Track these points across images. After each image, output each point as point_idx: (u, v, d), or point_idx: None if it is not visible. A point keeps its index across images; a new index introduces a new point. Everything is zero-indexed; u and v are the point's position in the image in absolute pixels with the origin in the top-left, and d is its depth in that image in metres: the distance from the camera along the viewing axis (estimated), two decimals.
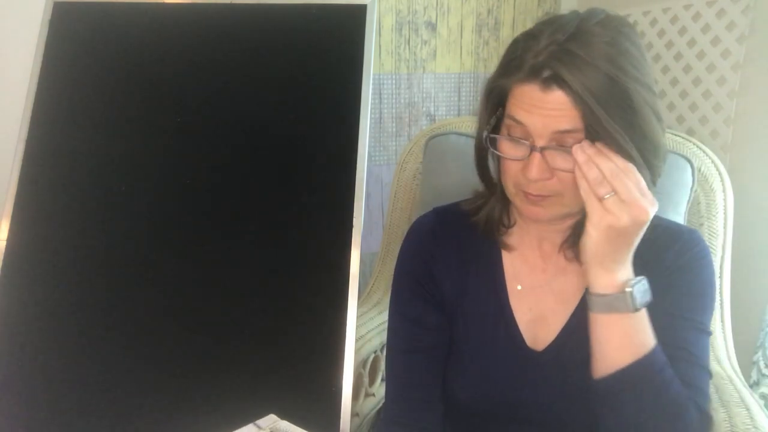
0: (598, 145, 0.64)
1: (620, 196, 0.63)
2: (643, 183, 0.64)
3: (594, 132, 0.63)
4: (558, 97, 0.63)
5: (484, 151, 0.76)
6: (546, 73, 0.63)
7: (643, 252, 0.69)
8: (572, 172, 0.65)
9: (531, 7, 1.86)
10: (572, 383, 0.76)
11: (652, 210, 0.63)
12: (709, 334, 0.75)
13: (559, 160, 0.66)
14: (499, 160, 0.73)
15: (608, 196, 0.63)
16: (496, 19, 1.84)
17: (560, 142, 0.65)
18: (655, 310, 0.69)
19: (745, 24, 1.20)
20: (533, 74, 0.63)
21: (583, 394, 0.73)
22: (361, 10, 1.21)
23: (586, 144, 0.63)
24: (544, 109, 0.63)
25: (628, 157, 0.64)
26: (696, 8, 1.32)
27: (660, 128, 0.67)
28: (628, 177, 0.63)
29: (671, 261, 0.75)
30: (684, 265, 0.74)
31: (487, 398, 0.80)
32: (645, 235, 0.66)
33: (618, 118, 0.62)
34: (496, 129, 0.72)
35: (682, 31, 1.37)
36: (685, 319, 0.73)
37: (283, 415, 1.04)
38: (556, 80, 0.62)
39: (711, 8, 1.28)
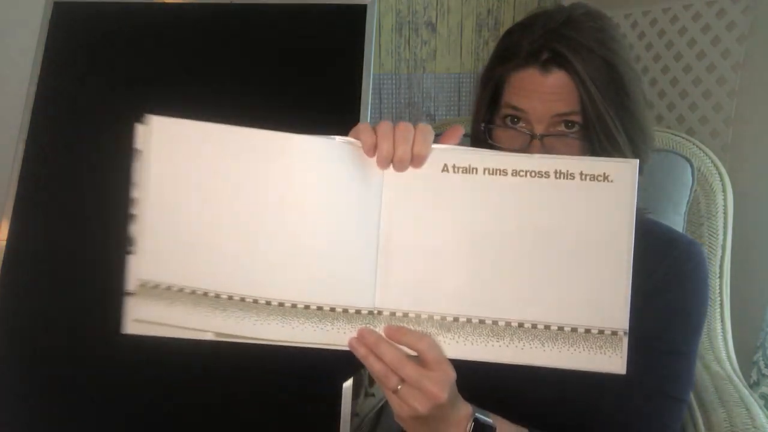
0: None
1: (411, 384, 0.54)
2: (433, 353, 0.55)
3: (588, 114, 0.64)
4: (558, 78, 0.64)
5: (481, 144, 0.75)
6: (545, 56, 0.64)
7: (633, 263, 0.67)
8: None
9: (531, 7, 1.85)
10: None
11: (448, 387, 0.55)
12: (688, 356, 0.69)
13: (558, 146, 0.66)
14: None
15: (400, 387, 0.55)
16: (496, 19, 1.84)
17: (558, 126, 0.66)
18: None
19: (745, 24, 1.20)
20: (532, 58, 0.65)
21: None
22: (361, 10, 1.20)
23: (364, 331, 0.55)
24: (544, 93, 0.65)
25: (614, 143, 0.64)
26: (696, 8, 1.32)
27: (649, 115, 0.68)
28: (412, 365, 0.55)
29: (661, 276, 0.69)
30: (673, 280, 0.69)
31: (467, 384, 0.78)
32: (636, 244, 0.63)
33: (612, 101, 0.64)
34: (491, 121, 0.72)
35: (682, 31, 1.37)
36: (662, 342, 0.68)
37: (283, 414, 1.04)
38: (557, 61, 0.64)
39: (711, 8, 1.28)
